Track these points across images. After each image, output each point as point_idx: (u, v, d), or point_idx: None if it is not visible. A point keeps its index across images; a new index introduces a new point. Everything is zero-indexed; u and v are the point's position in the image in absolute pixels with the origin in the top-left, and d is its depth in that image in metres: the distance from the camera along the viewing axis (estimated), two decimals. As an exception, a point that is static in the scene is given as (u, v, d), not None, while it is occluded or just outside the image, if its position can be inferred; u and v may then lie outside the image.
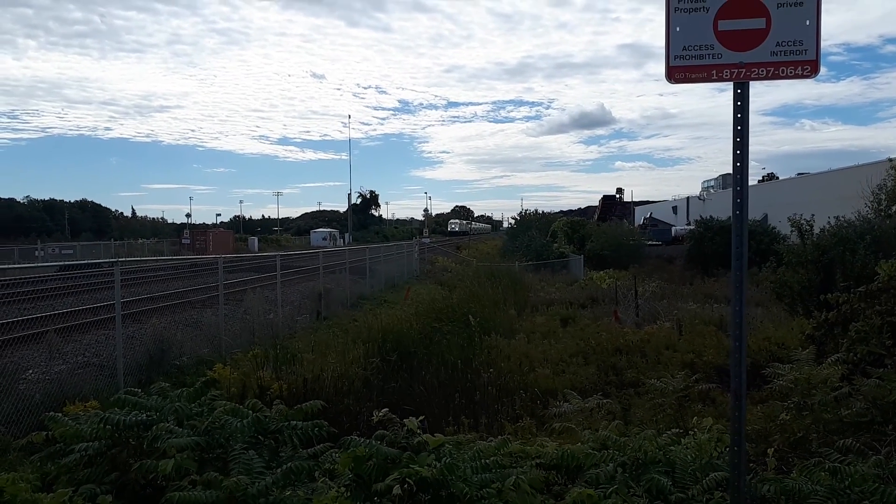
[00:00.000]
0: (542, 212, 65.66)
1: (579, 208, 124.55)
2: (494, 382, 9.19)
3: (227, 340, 12.51)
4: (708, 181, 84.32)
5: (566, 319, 15.71)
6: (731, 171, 3.94)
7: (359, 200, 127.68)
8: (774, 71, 3.83)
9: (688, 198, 73.32)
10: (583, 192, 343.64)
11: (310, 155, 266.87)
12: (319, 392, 8.07)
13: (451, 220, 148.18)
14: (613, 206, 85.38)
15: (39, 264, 29.31)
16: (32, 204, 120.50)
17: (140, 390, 4.82)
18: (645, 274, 26.22)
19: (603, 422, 6.13)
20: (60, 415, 4.76)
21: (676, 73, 3.97)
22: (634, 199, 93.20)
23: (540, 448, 5.24)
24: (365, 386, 9.01)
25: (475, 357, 10.45)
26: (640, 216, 75.70)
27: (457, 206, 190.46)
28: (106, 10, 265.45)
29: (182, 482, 3.55)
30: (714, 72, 3.91)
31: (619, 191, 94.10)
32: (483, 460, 4.10)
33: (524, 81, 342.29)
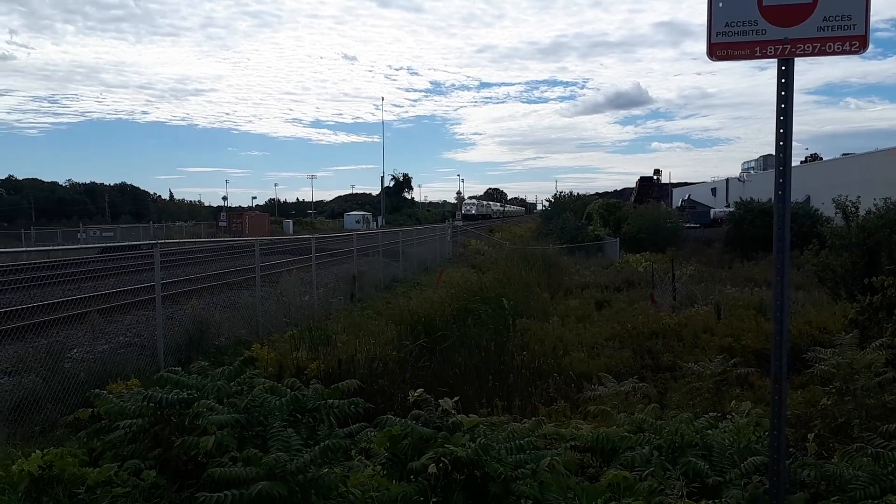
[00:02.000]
0: (577, 194, 65.02)
1: (615, 190, 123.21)
2: (528, 365, 9.18)
3: (264, 322, 12.70)
4: (748, 162, 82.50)
5: (601, 303, 15.60)
6: (772, 152, 3.84)
7: (392, 183, 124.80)
8: (821, 47, 3.70)
9: (727, 179, 71.90)
10: (618, 174, 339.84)
11: (342, 138, 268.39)
12: (354, 373, 8.15)
13: (467, 201, 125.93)
14: (650, 187, 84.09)
15: (81, 246, 30.10)
16: (74, 187, 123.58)
17: (181, 369, 4.93)
18: (682, 257, 25.86)
19: (639, 405, 6.09)
20: (105, 392, 4.90)
21: (719, 50, 3.88)
22: (672, 181, 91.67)
23: (574, 430, 5.23)
24: (399, 367, 9.07)
25: (509, 340, 10.45)
26: (677, 198, 74.50)
27: (490, 189, 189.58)
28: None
29: (222, 458, 3.63)
30: (758, 49, 3.80)
31: (657, 172, 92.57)
32: (517, 441, 4.10)
33: (558, 61, 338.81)
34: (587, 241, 35.28)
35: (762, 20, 3.77)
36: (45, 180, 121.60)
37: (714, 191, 73.37)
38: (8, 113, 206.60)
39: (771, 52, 3.77)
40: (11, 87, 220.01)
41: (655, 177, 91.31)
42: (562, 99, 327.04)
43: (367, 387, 7.20)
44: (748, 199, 34.66)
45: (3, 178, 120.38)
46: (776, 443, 3.71)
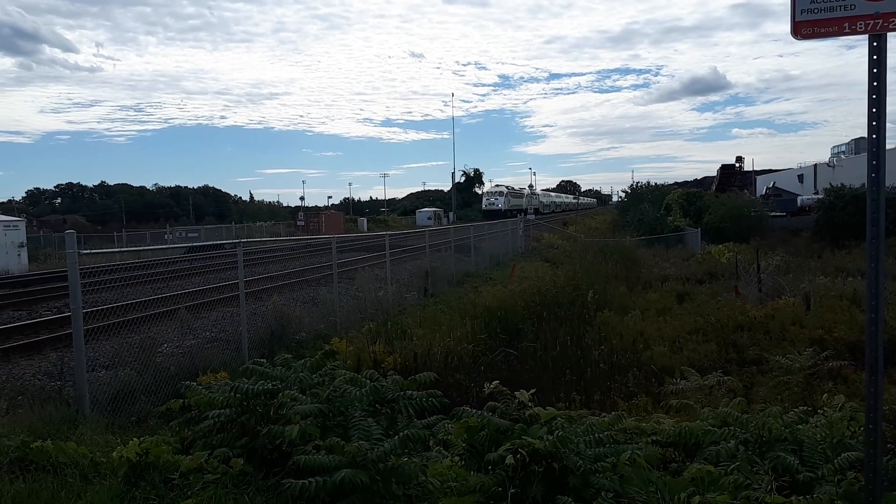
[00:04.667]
0: (655, 184, 63.15)
1: (695, 179, 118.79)
2: (607, 359, 9.03)
3: (342, 316, 12.97)
4: (838, 147, 78.26)
5: (682, 295, 15.18)
6: (864, 135, 3.64)
7: (462, 179, 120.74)
8: (917, 20, 3.48)
9: (815, 165, 68.39)
10: (698, 162, 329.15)
11: (412, 135, 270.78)
12: (429, 366, 8.23)
13: (490, 191, 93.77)
14: (733, 175, 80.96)
15: (169, 246, 31.55)
16: (160, 191, 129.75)
17: (266, 361, 5.11)
18: (768, 247, 24.81)
19: (723, 399, 5.89)
20: (195, 384, 5.14)
21: (804, 28, 3.70)
22: (755, 168, 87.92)
23: (656, 425, 5.12)
24: (473, 361, 9.10)
25: (586, 334, 10.31)
26: (761, 186, 71.43)
27: (562, 181, 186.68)
28: (215, 2, 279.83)
29: (306, 447, 3.75)
30: (847, 24, 3.61)
31: (739, 159, 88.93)
32: (596, 435, 4.05)
33: (630, 49, 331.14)
34: (666, 232, 34.35)
35: (851, -6, 3.58)
36: (134, 185, 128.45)
37: (801, 177, 69.94)
38: (98, 122, 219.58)
39: (861, 27, 3.57)
40: (100, 98, 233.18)
41: (738, 164, 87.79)
42: (635, 87, 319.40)
43: (442, 380, 7.26)
44: (839, 186, 32.95)
45: (96, 184, 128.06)
46: (872, 437, 3.52)
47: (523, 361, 9.16)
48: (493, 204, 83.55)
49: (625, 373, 8.65)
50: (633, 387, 8.17)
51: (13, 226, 28.63)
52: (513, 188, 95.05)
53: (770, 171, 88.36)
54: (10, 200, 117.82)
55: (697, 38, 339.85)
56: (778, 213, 44.82)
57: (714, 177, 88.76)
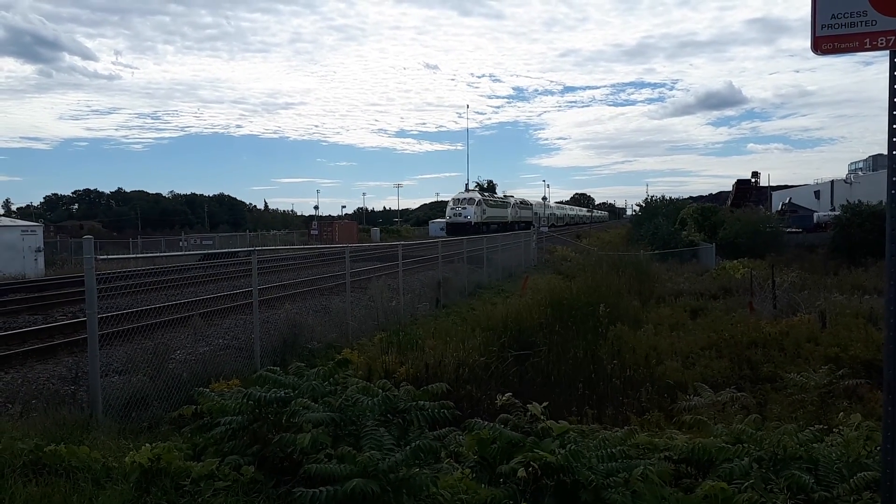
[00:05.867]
0: (669, 198, 62.87)
1: (710, 194, 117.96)
2: (619, 374, 8.98)
3: (354, 326, 12.99)
4: (856, 163, 77.57)
5: (696, 311, 15.09)
6: (883, 151, 3.62)
7: (476, 190, 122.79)
8: (938, 35, 3.46)
9: (832, 181, 67.89)
10: (713, 177, 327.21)
11: (426, 146, 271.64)
12: (441, 377, 8.21)
13: (457, 198, 68.84)
14: (748, 191, 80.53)
15: (183, 253, 31.75)
16: (176, 198, 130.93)
17: (279, 369, 5.12)
18: (783, 263, 24.58)
19: (737, 416, 5.83)
20: (208, 390, 5.16)
21: (824, 43, 3.69)
22: (771, 184, 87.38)
23: (668, 440, 5.07)
24: (485, 373, 9.08)
25: (599, 348, 10.26)
26: (777, 201, 70.95)
27: (576, 194, 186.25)
28: (233, 12, 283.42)
29: (318, 455, 3.74)
30: (867, 40, 3.60)
31: (755, 175, 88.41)
32: (609, 450, 4.02)
33: (644, 62, 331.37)
34: (680, 246, 34.18)
35: (872, 10, 3.58)
36: (150, 192, 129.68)
37: (817, 193, 69.42)
38: (116, 129, 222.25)
39: (882, 43, 3.56)
40: (118, 106, 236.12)
41: (753, 179, 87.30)
42: (650, 101, 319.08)
43: (453, 391, 7.25)
44: (856, 202, 32.66)
45: (113, 190, 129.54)
46: (889, 457, 3.47)
47: (535, 374, 9.12)
48: (460, 215, 62.19)
49: (637, 387, 8.60)
50: (646, 402, 8.11)
51: (31, 231, 28.96)
52: (493, 195, 77.84)
53: (786, 186, 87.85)
54: (28, 206, 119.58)
55: (713, 53, 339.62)
56: (794, 230, 44.49)
57: (729, 192, 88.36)
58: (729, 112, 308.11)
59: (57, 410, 6.85)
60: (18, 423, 6.11)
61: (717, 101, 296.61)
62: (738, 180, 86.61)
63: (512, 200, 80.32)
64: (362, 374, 8.74)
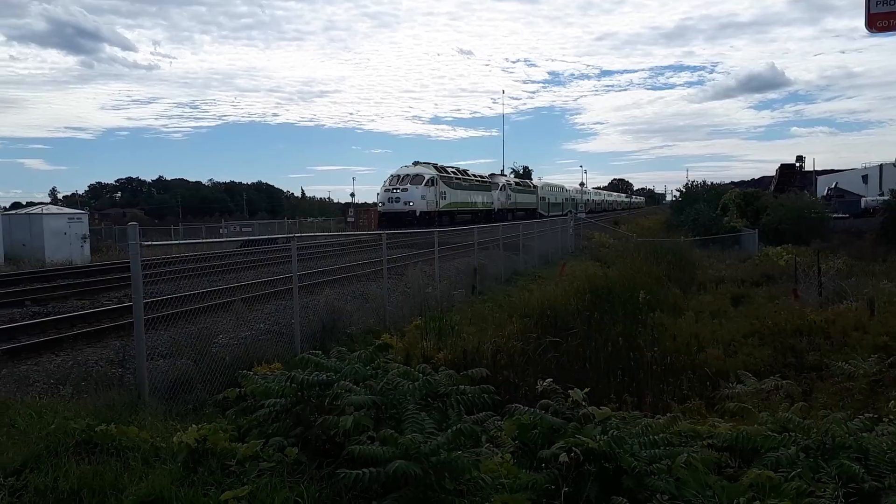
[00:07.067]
0: (710, 183, 61.71)
1: (752, 179, 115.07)
2: (660, 361, 8.88)
3: (391, 312, 13.08)
4: (905, 146, 74.90)
5: (738, 298, 14.85)
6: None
7: (511, 176, 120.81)
8: None
9: (881, 165, 65.69)
10: (755, 162, 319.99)
11: (461, 133, 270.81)
12: (478, 363, 8.22)
13: (396, 173, 44.41)
14: (792, 175, 78.42)
15: (224, 240, 32.36)
16: (215, 186, 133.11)
17: (320, 352, 5.18)
18: (829, 250, 24.00)
19: (782, 404, 5.72)
20: (251, 373, 5.25)
21: (879, 20, 3.58)
22: (816, 168, 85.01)
23: (711, 428, 5.00)
24: (523, 359, 9.06)
25: (639, 335, 10.16)
26: (823, 186, 69.06)
27: (614, 179, 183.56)
28: (267, 1, 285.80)
29: (360, 438, 3.78)
30: (926, 15, 3.45)
31: (800, 159, 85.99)
32: (651, 436, 3.97)
33: (684, 45, 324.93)
34: (722, 232, 33.57)
35: (932, -17, 3.41)
36: (190, 180, 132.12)
37: (865, 178, 67.29)
38: (156, 119, 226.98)
39: (942, 17, 3.41)
40: (158, 95, 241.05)
41: (798, 164, 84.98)
42: (689, 84, 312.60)
43: (491, 377, 7.24)
44: (906, 187, 31.66)
45: (154, 178, 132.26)
46: (948, 449, 3.36)
47: (573, 361, 9.07)
48: (398, 200, 41.28)
49: (678, 375, 8.49)
50: (687, 390, 8.02)
51: (77, 218, 29.78)
52: (447, 177, 47.12)
53: (832, 171, 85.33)
54: (73, 194, 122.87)
55: (754, 34, 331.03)
56: (840, 215, 43.27)
57: (772, 176, 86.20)
58: (772, 95, 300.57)
59: (106, 392, 7.06)
60: (70, 403, 6.30)
61: (760, 84, 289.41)
62: (782, 165, 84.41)
63: (501, 181, 59.58)
64: (401, 358, 8.80)
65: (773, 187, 68.50)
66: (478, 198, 52.74)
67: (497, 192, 56.00)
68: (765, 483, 3.71)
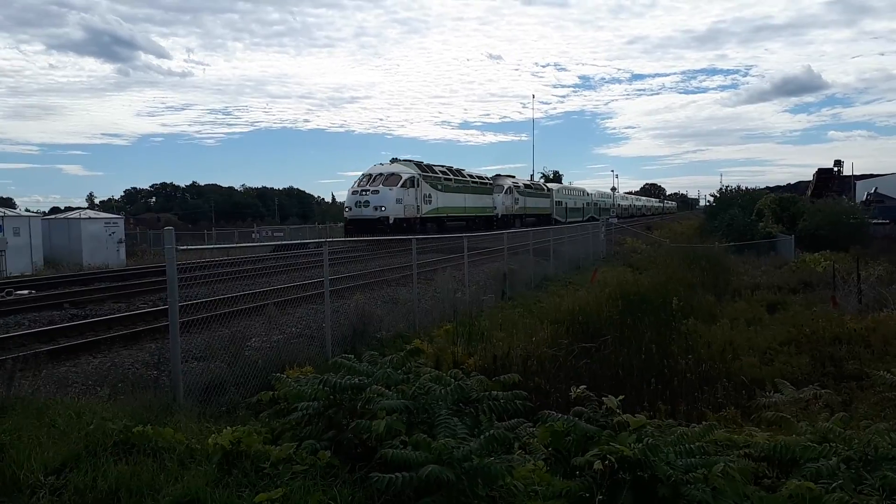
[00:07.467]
0: (745, 188, 60.72)
1: (788, 184, 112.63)
2: (694, 369, 8.75)
3: (421, 316, 13.10)
4: (949, 150, 72.77)
5: (774, 305, 14.57)
6: None
7: (542, 181, 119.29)
8: None
9: (922, 170, 64.00)
10: (791, 166, 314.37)
11: (490, 138, 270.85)
12: (509, 369, 8.16)
13: (368, 172, 36.71)
14: (830, 180, 76.70)
15: (256, 244, 32.71)
16: (248, 191, 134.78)
17: (352, 356, 5.20)
18: (869, 256, 23.38)
19: (822, 414, 5.58)
20: (284, 376, 5.30)
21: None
22: (855, 173, 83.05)
23: (748, 438, 4.90)
24: (553, 365, 8.99)
25: (672, 342, 10.02)
26: (862, 191, 67.41)
27: (646, 184, 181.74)
28: (298, 8, 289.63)
29: (393, 442, 3.79)
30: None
31: (838, 163, 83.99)
32: (687, 445, 3.91)
33: (716, 48, 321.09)
34: (757, 238, 33.00)
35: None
36: (223, 185, 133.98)
37: (906, 183, 65.63)
38: (189, 125, 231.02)
39: None
40: (191, 102, 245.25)
41: (836, 168, 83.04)
42: (722, 88, 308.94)
43: (522, 383, 7.20)
44: (950, 192, 30.78)
45: (188, 184, 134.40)
46: None
47: (605, 368, 8.98)
48: (367, 204, 34.43)
49: (713, 383, 8.36)
50: (722, 398, 7.88)
51: (113, 223, 30.44)
52: (454, 169, 44.38)
53: (871, 175, 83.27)
54: (109, 199, 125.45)
55: (790, 37, 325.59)
56: (881, 221, 42.19)
57: (809, 181, 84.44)
58: (808, 98, 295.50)
59: (142, 393, 7.18)
60: (107, 404, 6.42)
61: (795, 87, 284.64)
62: (819, 169, 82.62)
63: (507, 184, 52.66)
64: (431, 363, 8.80)
65: (810, 192, 67.17)
66: (475, 201, 46.02)
67: (501, 195, 50.49)
68: (805, 494, 3.62)
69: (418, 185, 37.27)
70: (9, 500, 4.32)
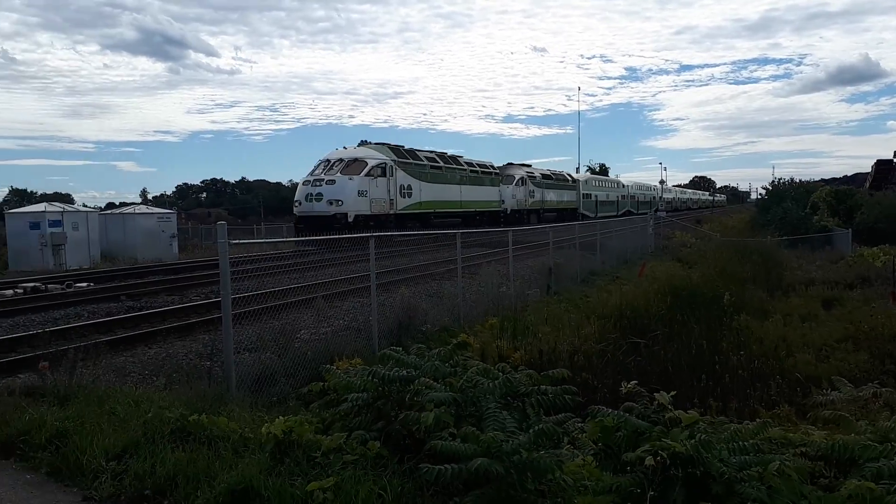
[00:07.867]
0: (799, 180, 58.97)
1: (844, 176, 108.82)
2: (746, 366, 8.56)
3: (465, 310, 13.11)
4: None
5: (829, 301, 14.13)
6: None
7: (587, 173, 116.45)
8: None
9: None
10: (848, 158, 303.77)
11: (534, 131, 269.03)
12: (555, 364, 8.14)
13: (326, 158, 30.21)
14: (890, 171, 73.89)
15: (305, 238, 33.24)
16: (295, 187, 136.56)
17: (400, 349, 5.26)
18: (931, 250, 22.51)
19: (882, 413, 5.40)
20: (333, 368, 5.38)
21: None
22: (917, 165, 79.72)
23: (804, 436, 4.78)
24: (601, 361, 8.91)
25: (723, 338, 9.82)
26: (924, 183, 64.79)
27: (696, 177, 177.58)
28: (343, 5, 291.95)
29: (441, 434, 3.82)
30: None
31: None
32: (741, 442, 3.83)
33: (768, 37, 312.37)
34: (811, 232, 32.04)
35: None
36: (271, 181, 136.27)
37: (971, 174, 62.79)
38: (238, 122, 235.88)
39: None
40: (239, 99, 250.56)
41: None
42: (775, 78, 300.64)
43: (569, 378, 7.16)
44: None
45: (237, 179, 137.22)
46: None
47: (654, 363, 8.86)
48: (320, 198, 27.69)
49: (766, 380, 8.17)
50: (775, 395, 7.70)
51: (166, 218, 31.25)
52: (446, 156, 37.53)
53: (934, 166, 79.89)
54: (162, 194, 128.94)
55: (846, 24, 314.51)
56: (943, 214, 40.49)
57: (867, 173, 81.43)
58: (865, 87, 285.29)
59: (196, 383, 7.38)
60: (164, 393, 6.62)
61: (852, 76, 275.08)
62: (878, 160, 79.48)
63: (518, 174, 44.84)
64: (476, 358, 8.81)
65: (868, 184, 64.82)
66: (474, 194, 38.67)
67: (511, 186, 43.01)
68: (865, 495, 3.51)
69: (391, 175, 30.27)
70: (73, 483, 4.51)
